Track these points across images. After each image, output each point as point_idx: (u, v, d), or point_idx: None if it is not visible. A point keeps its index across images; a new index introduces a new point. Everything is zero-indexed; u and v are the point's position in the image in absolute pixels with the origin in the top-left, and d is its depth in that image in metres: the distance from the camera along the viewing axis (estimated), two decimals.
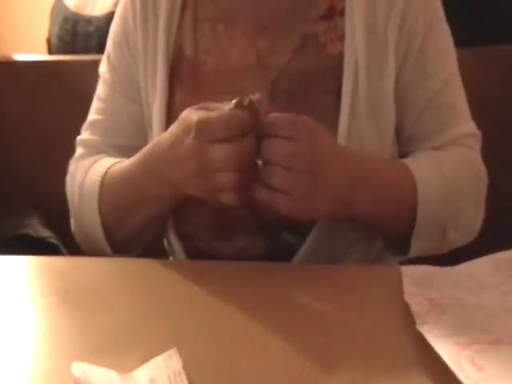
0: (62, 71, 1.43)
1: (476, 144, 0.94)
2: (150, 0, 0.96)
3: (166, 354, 0.61)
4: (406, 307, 0.68)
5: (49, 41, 1.72)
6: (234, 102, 0.76)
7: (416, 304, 0.68)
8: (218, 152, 0.74)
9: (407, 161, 0.90)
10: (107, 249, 0.91)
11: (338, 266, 0.82)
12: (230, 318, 0.71)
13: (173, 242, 0.95)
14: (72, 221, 0.97)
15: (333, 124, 0.88)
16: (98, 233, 0.90)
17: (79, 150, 1.00)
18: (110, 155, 0.97)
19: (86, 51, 1.55)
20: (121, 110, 0.98)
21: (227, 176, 0.75)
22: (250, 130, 0.75)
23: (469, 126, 0.94)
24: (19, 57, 1.48)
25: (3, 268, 0.85)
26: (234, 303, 0.73)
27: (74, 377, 0.56)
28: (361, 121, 0.88)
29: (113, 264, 0.85)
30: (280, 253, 0.88)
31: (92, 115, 1.00)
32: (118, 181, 0.90)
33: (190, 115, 0.78)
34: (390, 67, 0.89)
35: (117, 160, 0.94)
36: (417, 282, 0.72)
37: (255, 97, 0.76)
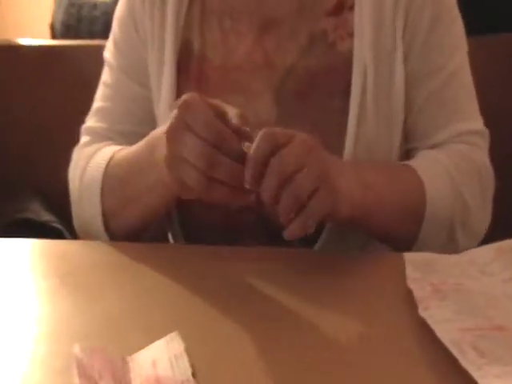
0: (66, 56, 1.43)
1: (482, 141, 0.91)
2: None
3: (167, 337, 0.62)
4: (409, 293, 0.68)
5: (52, 25, 1.71)
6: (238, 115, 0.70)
7: (418, 289, 0.68)
8: (190, 140, 0.68)
9: (411, 161, 0.88)
10: (105, 239, 0.89)
11: (342, 254, 0.81)
12: (232, 302, 0.71)
13: (179, 242, 0.94)
14: (72, 208, 0.95)
15: (341, 126, 0.86)
16: (97, 221, 0.89)
17: (84, 138, 0.98)
18: (116, 142, 0.95)
19: (91, 36, 1.54)
20: (129, 95, 0.96)
21: (190, 169, 0.69)
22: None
23: (474, 123, 0.91)
24: (23, 41, 1.47)
25: (6, 251, 0.85)
26: (236, 287, 0.74)
27: (77, 358, 0.57)
28: (370, 122, 0.86)
29: (115, 248, 0.85)
30: None
31: (98, 102, 0.98)
32: (120, 169, 0.88)
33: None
34: (398, 62, 0.87)
35: (120, 147, 0.92)
36: (419, 267, 0.72)
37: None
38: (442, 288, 0.68)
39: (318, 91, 0.88)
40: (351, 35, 0.88)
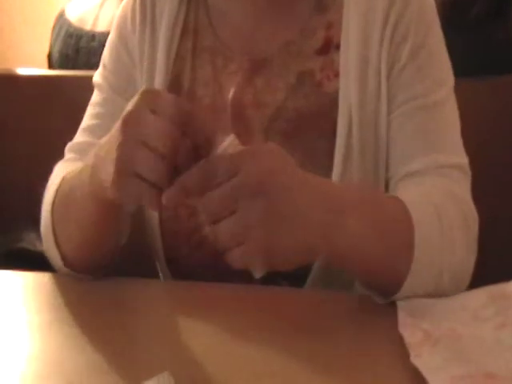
0: (64, 86, 1.43)
1: (463, 177, 0.86)
2: (149, 15, 0.94)
3: (159, 376, 0.61)
4: (401, 339, 0.68)
5: (50, 56, 1.72)
6: None
7: (410, 336, 0.68)
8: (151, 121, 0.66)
9: (399, 195, 0.82)
10: (58, 258, 0.87)
11: (335, 295, 0.81)
12: (224, 340, 0.71)
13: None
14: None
15: (327, 168, 0.85)
16: (50, 239, 0.87)
17: (68, 155, 0.97)
18: None
19: (89, 67, 1.54)
20: (117, 111, 0.89)
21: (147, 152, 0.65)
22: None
23: (456, 157, 0.86)
24: (21, 71, 1.48)
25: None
26: (228, 325, 0.73)
27: None
28: (355, 162, 0.86)
29: (108, 283, 0.85)
30: None
31: (84, 122, 0.97)
32: (66, 187, 0.86)
33: None
34: (383, 101, 0.87)
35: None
36: (411, 313, 0.72)
37: (230, 139, 0.70)
38: (433, 334, 0.68)
39: (304, 132, 0.87)
40: (337, 75, 0.88)
